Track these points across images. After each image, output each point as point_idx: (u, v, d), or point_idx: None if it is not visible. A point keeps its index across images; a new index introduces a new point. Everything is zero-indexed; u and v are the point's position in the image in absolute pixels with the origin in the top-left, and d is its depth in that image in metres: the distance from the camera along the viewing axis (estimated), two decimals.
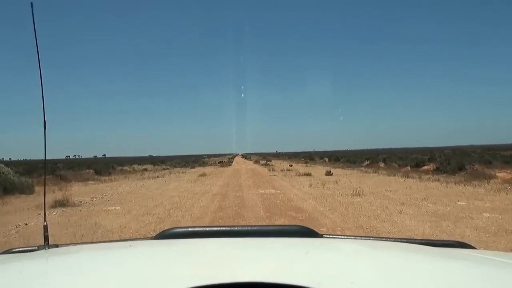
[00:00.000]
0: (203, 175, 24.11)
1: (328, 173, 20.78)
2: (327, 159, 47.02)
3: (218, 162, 52.49)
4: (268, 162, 45.45)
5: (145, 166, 40.12)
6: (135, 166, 38.57)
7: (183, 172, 30.28)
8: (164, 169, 37.82)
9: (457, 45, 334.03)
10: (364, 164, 33.50)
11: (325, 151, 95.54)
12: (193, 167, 39.43)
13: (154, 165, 41.81)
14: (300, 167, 32.24)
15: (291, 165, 36.21)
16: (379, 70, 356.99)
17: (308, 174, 21.08)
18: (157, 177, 24.40)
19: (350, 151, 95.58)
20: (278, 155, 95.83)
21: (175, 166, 41.80)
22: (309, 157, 60.67)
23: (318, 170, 26.20)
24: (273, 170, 28.00)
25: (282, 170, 27.35)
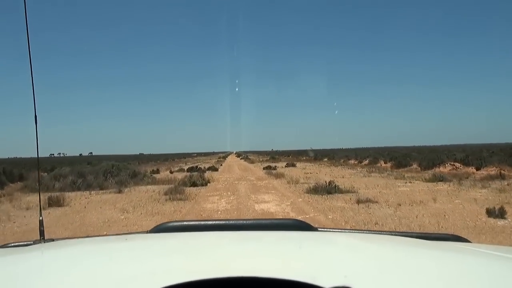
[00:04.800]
0: None
1: None
2: (457, 164, 18.58)
3: (188, 170, 24.43)
4: (309, 173, 16.88)
5: None
6: None
7: None
8: None
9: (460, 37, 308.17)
10: None
11: (323, 149, 79.73)
12: (61, 205, 10.67)
13: None
14: None
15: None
16: (380, 65, 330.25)
17: None
18: None
19: (349, 149, 78.50)
20: (283, 154, 68.19)
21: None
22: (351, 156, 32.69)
23: None
24: None
25: None
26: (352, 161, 32.94)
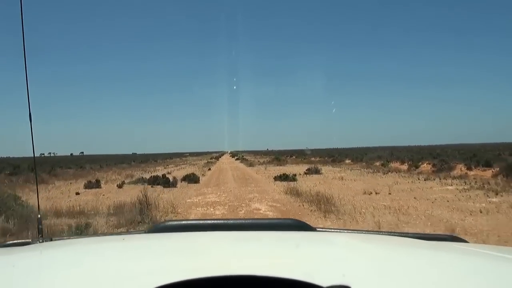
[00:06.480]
0: None
1: None
2: None
3: (151, 181, 14.49)
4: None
5: None
6: None
7: None
8: None
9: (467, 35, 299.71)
10: None
11: (318, 149, 73.93)
12: None
13: None
14: None
15: None
16: (377, 63, 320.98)
17: None
18: None
19: (347, 149, 74.30)
20: (283, 154, 58.49)
21: None
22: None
23: None
24: None
25: None
26: (397, 165, 22.99)
